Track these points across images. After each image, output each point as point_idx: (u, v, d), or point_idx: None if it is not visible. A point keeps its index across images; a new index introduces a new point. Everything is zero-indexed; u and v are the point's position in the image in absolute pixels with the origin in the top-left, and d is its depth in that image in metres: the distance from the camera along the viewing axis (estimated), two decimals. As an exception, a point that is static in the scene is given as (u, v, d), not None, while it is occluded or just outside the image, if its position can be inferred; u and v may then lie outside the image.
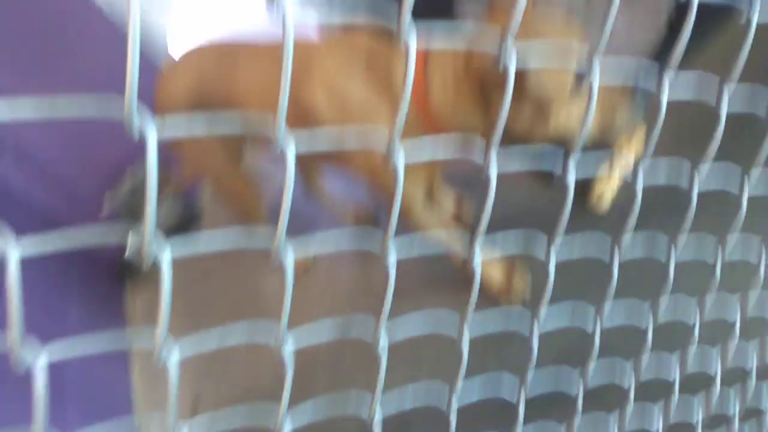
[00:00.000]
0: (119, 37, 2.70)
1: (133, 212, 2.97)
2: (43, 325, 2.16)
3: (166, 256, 0.38)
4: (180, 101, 1.74)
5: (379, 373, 0.55)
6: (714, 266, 0.85)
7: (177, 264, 1.91)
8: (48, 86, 2.67)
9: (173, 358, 0.46)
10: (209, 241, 0.41)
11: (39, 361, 0.40)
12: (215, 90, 1.67)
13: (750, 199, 0.82)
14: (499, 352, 1.68)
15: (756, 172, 0.79)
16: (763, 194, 0.84)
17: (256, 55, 1.64)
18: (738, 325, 0.97)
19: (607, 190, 1.83)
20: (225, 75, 1.66)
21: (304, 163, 2.24)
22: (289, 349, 0.50)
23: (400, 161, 0.48)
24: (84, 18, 2.72)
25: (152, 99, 1.88)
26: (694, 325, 0.91)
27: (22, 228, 2.59)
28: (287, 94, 0.40)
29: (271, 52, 1.63)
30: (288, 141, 0.40)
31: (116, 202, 2.91)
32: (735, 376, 1.10)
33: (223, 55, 1.70)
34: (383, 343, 0.55)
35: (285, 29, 0.37)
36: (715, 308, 0.95)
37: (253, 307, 2.42)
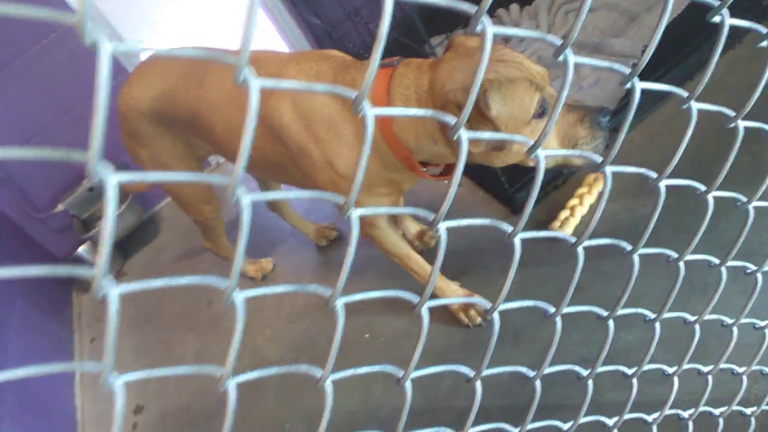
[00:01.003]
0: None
1: (87, 212, 2.92)
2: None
3: (113, 294, 0.38)
4: (144, 106, 1.72)
5: (324, 408, 0.55)
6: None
7: (137, 269, 1.86)
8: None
9: (119, 382, 0.45)
10: (156, 282, 0.41)
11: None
12: (181, 97, 1.65)
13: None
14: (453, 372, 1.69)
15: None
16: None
17: (225, 74, 1.62)
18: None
19: (570, 218, 1.88)
20: (192, 82, 1.64)
21: (265, 180, 2.24)
22: (233, 385, 0.50)
23: (355, 214, 0.49)
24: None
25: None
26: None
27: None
28: (249, 141, 0.41)
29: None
30: (242, 197, 0.40)
31: (71, 203, 2.84)
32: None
33: (191, 62, 1.68)
34: (328, 387, 0.55)
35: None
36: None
37: (205, 314, 2.39)
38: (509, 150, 1.32)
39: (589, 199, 1.91)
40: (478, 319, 1.79)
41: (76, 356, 2.53)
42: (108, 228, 0.37)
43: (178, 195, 2.01)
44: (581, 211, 1.89)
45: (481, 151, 1.30)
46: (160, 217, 3.16)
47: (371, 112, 0.44)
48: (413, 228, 2.12)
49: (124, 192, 2.84)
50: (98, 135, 0.34)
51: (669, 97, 2.07)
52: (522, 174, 1.99)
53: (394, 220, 2.07)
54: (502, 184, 1.97)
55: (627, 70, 0.60)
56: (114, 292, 0.39)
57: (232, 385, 0.48)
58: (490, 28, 0.47)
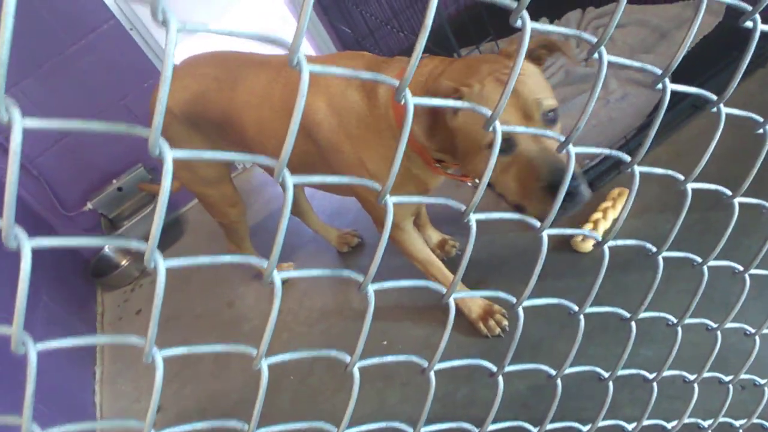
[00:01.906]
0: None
1: (115, 211, 2.98)
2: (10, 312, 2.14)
3: (161, 266, 0.40)
4: (176, 108, 1.76)
5: (351, 394, 0.56)
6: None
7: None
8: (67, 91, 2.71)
9: (159, 357, 0.47)
10: (203, 259, 0.43)
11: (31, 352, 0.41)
12: (214, 99, 1.69)
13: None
14: (470, 382, 1.69)
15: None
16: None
17: (256, 66, 1.67)
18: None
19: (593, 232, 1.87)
20: (225, 86, 1.68)
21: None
22: (266, 366, 0.51)
23: (390, 201, 0.50)
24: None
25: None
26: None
27: None
28: (295, 133, 0.42)
29: (272, 63, 1.66)
30: (287, 178, 0.42)
31: (99, 202, 2.90)
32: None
33: (225, 66, 1.73)
34: (356, 372, 0.56)
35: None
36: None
37: (226, 315, 2.41)
38: (471, 161, 1.25)
39: (613, 214, 1.91)
40: (497, 330, 1.78)
41: (98, 353, 2.57)
42: (163, 200, 0.39)
43: (205, 197, 2.05)
44: (604, 225, 1.89)
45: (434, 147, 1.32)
46: (185, 219, 3.21)
47: (411, 100, 0.45)
48: (435, 237, 2.13)
49: (151, 194, 2.90)
50: (161, 111, 0.36)
51: (696, 114, 2.06)
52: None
53: (417, 227, 2.09)
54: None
55: (658, 71, 0.62)
56: (162, 264, 0.41)
57: (264, 366, 0.50)
58: (528, 24, 0.48)
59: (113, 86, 2.78)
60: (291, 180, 0.43)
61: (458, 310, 1.82)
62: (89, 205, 2.89)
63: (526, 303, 0.65)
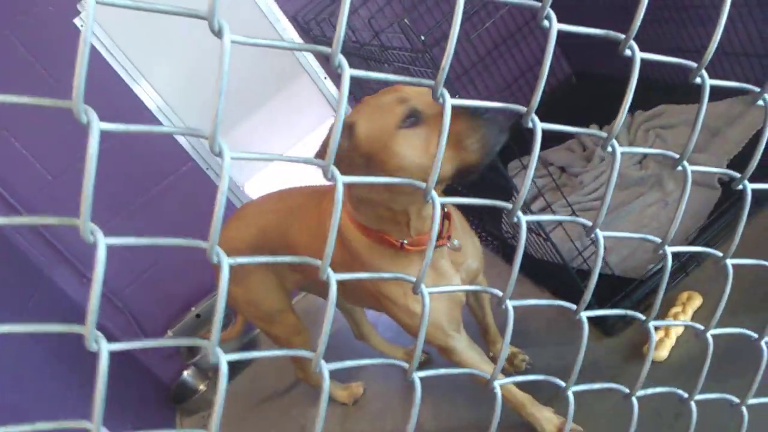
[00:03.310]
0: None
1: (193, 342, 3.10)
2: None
3: (223, 360, 0.46)
4: (242, 244, 1.92)
5: None
6: None
7: (232, 396, 1.97)
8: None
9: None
10: (261, 353, 0.49)
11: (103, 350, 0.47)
12: (275, 236, 1.84)
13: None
14: None
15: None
16: None
17: (306, 195, 1.85)
18: None
19: (665, 339, 1.81)
20: (282, 216, 1.86)
21: (346, 306, 2.36)
22: None
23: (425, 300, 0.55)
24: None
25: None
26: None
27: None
28: (333, 245, 0.49)
29: (320, 201, 1.79)
30: (331, 277, 0.49)
31: (179, 330, 3.05)
32: None
33: (283, 200, 1.93)
34: None
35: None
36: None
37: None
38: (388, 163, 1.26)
39: (684, 318, 1.85)
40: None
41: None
42: (220, 305, 0.45)
43: (270, 331, 2.13)
44: (676, 331, 1.83)
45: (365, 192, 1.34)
46: (258, 341, 3.30)
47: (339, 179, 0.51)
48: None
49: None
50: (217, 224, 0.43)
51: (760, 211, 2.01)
52: (613, 292, 1.97)
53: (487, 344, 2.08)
54: (591, 303, 1.94)
55: (674, 155, 0.65)
56: (223, 359, 0.47)
57: None
58: (538, 126, 0.55)
59: (193, 222, 3.01)
60: (333, 277, 0.49)
61: (531, 427, 1.76)
62: (170, 333, 3.04)
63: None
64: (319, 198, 1.77)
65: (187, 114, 3.00)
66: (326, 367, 0.53)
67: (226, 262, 0.46)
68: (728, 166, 2.16)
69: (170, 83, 2.99)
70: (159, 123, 2.97)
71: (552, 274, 2.23)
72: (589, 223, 0.60)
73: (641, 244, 2.14)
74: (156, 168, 2.92)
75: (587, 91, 3.31)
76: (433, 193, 0.54)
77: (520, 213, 0.54)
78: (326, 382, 0.54)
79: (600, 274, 1.44)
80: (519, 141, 2.33)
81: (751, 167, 0.64)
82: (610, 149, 0.59)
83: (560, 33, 0.55)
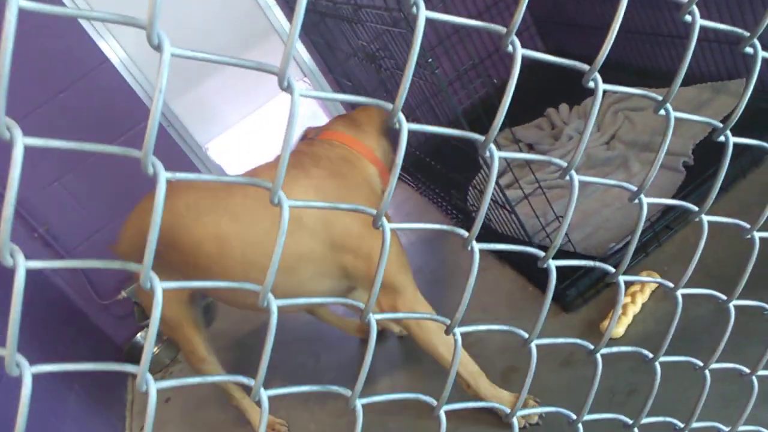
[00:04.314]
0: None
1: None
2: (41, 407, 2.16)
3: (152, 390, 0.42)
4: (134, 244, 1.82)
5: None
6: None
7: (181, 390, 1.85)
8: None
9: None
10: (195, 379, 0.45)
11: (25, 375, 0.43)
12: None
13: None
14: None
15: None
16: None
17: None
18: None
19: (622, 317, 1.82)
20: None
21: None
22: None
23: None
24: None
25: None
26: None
27: (40, 303, 2.67)
28: (277, 263, 0.45)
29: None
30: (272, 303, 0.44)
31: (133, 291, 2.97)
32: None
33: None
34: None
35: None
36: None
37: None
38: None
39: (642, 298, 1.87)
40: (535, 418, 1.72)
41: (127, 442, 2.56)
42: (152, 332, 0.41)
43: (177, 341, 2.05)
44: (633, 309, 1.84)
45: None
46: (217, 304, 3.24)
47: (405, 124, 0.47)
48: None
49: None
50: (151, 250, 0.39)
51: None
52: (572, 271, 1.97)
53: None
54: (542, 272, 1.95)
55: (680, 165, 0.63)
56: (153, 388, 0.43)
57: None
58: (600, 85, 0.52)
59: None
60: (274, 305, 0.45)
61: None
62: (123, 294, 2.96)
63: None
64: (299, 166, 1.66)
65: (151, 69, 2.89)
66: (265, 394, 0.49)
67: (159, 288, 0.41)
68: (693, 153, 2.17)
69: (135, 39, 2.86)
70: (121, 78, 2.86)
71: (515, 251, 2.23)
72: (564, 164, 0.57)
73: (604, 223, 2.15)
74: (115, 122, 2.81)
75: (560, 71, 3.30)
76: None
77: (492, 146, 0.50)
78: (265, 413, 0.50)
79: (562, 251, 1.43)
80: (490, 116, 2.31)
81: (735, 117, 0.62)
82: (592, 84, 0.57)
83: (535, 11, 0.52)
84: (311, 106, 3.38)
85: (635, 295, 1.88)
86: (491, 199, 2.10)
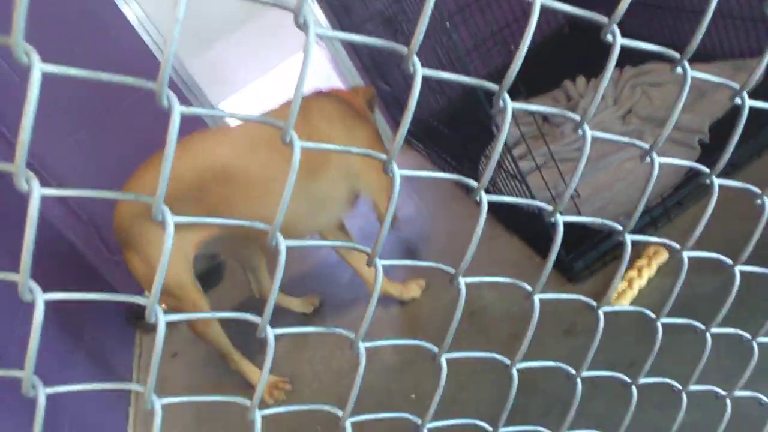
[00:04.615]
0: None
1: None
2: (52, 357, 2.21)
3: (161, 320, 0.43)
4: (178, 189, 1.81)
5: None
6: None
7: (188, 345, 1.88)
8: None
9: (158, 403, 0.50)
10: (198, 397, 0.46)
11: (40, 396, 0.44)
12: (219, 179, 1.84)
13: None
14: None
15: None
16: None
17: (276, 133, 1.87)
18: None
19: (627, 290, 1.83)
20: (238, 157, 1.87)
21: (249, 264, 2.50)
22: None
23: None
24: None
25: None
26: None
27: (51, 257, 2.71)
28: (288, 199, 0.46)
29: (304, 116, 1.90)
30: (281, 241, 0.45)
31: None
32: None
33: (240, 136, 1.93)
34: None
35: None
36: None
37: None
38: None
39: (648, 272, 1.86)
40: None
41: (132, 395, 2.61)
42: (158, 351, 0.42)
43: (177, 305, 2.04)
44: (639, 283, 1.84)
45: None
46: (223, 266, 3.28)
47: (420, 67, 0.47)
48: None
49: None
50: (165, 177, 0.39)
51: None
52: (580, 241, 1.97)
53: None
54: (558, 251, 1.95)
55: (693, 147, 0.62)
56: (158, 406, 0.44)
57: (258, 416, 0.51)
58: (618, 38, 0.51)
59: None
60: (283, 244, 0.45)
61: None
62: (133, 249, 2.99)
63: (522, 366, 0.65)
64: (302, 115, 1.72)
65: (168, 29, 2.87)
66: (271, 333, 0.50)
67: (170, 220, 0.42)
68: (710, 131, 2.15)
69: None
70: (138, 37, 2.84)
71: (523, 220, 2.23)
72: (578, 117, 0.57)
73: (615, 197, 2.14)
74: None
75: (579, 42, 3.25)
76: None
77: (506, 95, 0.50)
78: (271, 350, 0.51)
79: (570, 223, 1.43)
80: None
81: (753, 79, 0.61)
82: (610, 37, 0.56)
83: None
84: (326, 69, 3.36)
85: (642, 269, 1.87)
86: (503, 168, 2.09)
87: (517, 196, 2.16)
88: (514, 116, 1.94)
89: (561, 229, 0.63)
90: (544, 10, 0.53)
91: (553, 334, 1.81)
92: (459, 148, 2.63)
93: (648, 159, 0.64)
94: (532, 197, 2.02)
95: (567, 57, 2.80)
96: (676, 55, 0.61)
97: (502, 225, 2.37)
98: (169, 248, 0.46)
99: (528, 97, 2.86)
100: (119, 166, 2.91)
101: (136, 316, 3.00)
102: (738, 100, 0.62)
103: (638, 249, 1.97)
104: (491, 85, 0.55)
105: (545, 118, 2.84)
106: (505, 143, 1.59)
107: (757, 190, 0.71)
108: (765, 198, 0.72)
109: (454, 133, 2.61)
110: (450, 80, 0.53)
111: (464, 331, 1.97)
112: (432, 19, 0.49)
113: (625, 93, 2.66)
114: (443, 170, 2.98)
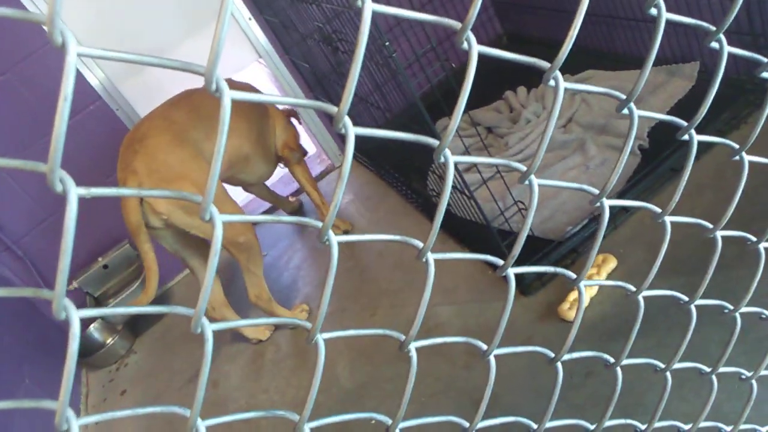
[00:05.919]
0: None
1: (100, 289, 2.95)
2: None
3: (74, 316, 0.39)
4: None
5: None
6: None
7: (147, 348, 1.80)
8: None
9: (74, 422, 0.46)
10: (126, 411, 0.42)
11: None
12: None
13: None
14: None
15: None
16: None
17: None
18: None
19: (575, 305, 1.85)
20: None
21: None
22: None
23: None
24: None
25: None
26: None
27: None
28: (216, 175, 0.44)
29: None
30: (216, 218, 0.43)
31: (85, 281, 2.88)
32: None
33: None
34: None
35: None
36: None
37: (211, 396, 2.35)
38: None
39: (598, 281, 1.89)
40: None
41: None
42: (70, 366, 0.38)
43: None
44: (590, 292, 1.87)
45: None
46: (172, 294, 3.18)
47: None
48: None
49: (137, 271, 2.88)
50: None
51: (674, 178, 2.07)
52: (529, 254, 1.98)
53: None
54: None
55: (622, 96, 0.61)
56: (74, 426, 0.40)
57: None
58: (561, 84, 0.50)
59: (100, 162, 2.81)
60: (334, 239, 0.41)
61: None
62: (74, 284, 2.86)
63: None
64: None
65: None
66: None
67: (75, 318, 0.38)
68: (648, 136, 2.20)
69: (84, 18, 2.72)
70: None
71: (473, 233, 2.23)
72: (524, 168, 0.55)
73: (561, 206, 2.17)
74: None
75: (518, 52, 3.29)
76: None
77: (447, 152, 0.48)
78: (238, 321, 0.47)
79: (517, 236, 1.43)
80: (448, 100, 2.29)
81: (699, 116, 0.61)
82: (552, 83, 0.55)
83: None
84: (268, 87, 3.30)
85: (592, 277, 1.90)
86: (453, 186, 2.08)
87: (465, 210, 2.16)
88: (457, 131, 1.92)
89: (513, 283, 0.61)
90: (482, 24, 0.51)
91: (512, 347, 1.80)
92: (405, 161, 2.62)
93: (598, 204, 0.63)
94: (481, 211, 2.03)
95: (506, 67, 2.82)
96: (621, 96, 0.60)
97: (454, 238, 2.37)
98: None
99: (470, 109, 2.88)
100: (54, 196, 2.79)
101: (81, 354, 2.87)
102: (626, 111, 0.62)
103: (586, 258, 1.99)
104: (431, 141, 0.52)
105: (489, 129, 2.86)
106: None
107: (735, 145, 0.72)
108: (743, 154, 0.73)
109: (399, 146, 2.60)
110: (385, 136, 0.51)
111: (420, 351, 1.95)
112: (370, 36, 0.46)
113: (564, 102, 2.70)
114: (391, 184, 2.96)
